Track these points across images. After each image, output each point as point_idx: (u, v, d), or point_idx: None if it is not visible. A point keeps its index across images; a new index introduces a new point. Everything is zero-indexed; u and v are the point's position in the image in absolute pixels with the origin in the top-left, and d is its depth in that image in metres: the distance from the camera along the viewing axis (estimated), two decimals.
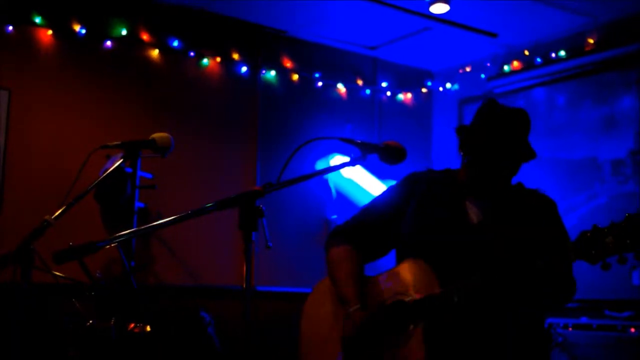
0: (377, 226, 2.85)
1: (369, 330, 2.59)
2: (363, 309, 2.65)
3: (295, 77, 6.59)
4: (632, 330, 4.88)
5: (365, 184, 6.54)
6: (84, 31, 5.59)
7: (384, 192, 2.94)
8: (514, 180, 2.77)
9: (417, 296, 2.51)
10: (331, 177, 6.53)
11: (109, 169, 2.92)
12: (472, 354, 2.51)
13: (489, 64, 6.88)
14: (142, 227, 2.21)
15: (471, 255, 2.58)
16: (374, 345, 2.57)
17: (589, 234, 2.27)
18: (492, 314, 2.53)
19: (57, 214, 2.55)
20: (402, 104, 7.23)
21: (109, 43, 5.72)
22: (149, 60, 5.91)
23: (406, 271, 2.61)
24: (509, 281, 2.38)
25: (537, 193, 2.79)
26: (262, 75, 6.42)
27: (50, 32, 5.49)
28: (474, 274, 2.44)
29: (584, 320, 5.20)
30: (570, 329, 5.16)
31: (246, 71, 6.34)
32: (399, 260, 2.78)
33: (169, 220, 2.19)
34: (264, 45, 6.46)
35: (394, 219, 2.80)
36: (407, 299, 2.54)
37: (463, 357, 2.50)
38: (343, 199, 6.60)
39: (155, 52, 5.93)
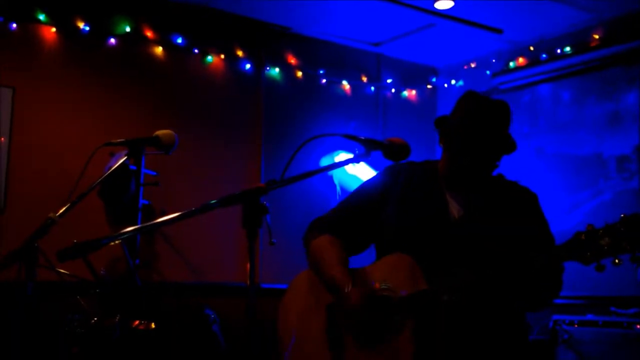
0: (357, 218, 2.80)
1: (365, 317, 2.54)
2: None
3: (299, 74, 6.58)
4: (638, 327, 4.86)
5: None
6: (87, 28, 5.59)
7: (363, 184, 2.90)
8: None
9: (403, 292, 2.49)
10: (336, 174, 6.51)
11: (113, 166, 2.92)
12: (461, 349, 2.49)
13: (494, 60, 6.86)
14: (146, 224, 2.21)
15: (452, 250, 2.56)
16: (367, 331, 2.53)
17: (583, 236, 2.22)
18: (481, 311, 2.51)
19: (61, 211, 2.56)
20: (406, 100, 7.21)
21: (112, 40, 5.72)
22: (152, 57, 5.91)
23: (392, 265, 2.58)
24: (502, 278, 2.36)
25: (517, 186, 2.76)
26: (266, 72, 6.41)
27: (54, 29, 5.49)
28: (459, 270, 2.42)
29: (589, 317, 5.18)
30: (576, 325, 5.14)
31: (250, 68, 6.33)
32: (380, 255, 2.74)
33: (173, 218, 2.18)
34: (268, 42, 6.45)
35: (374, 210, 2.77)
36: (394, 295, 2.51)
37: (453, 351, 2.48)
38: None
39: (159, 49, 5.93)
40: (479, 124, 2.60)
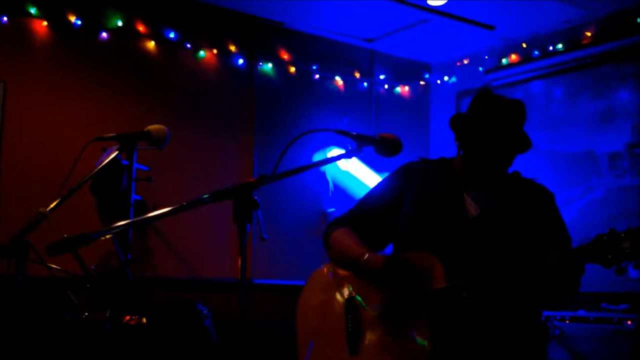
0: (374, 218, 2.83)
1: (394, 275, 2.56)
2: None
3: (292, 69, 6.57)
4: (629, 322, 4.88)
5: (362, 176, 6.53)
6: (79, 22, 5.56)
7: (379, 184, 2.91)
8: (511, 170, 2.76)
9: (423, 288, 2.50)
10: (328, 170, 6.51)
11: (104, 161, 2.91)
12: (477, 349, 2.50)
13: (486, 57, 6.87)
14: (137, 219, 2.21)
15: (469, 248, 2.57)
16: (399, 289, 2.54)
17: (605, 238, 2.23)
18: (499, 309, 2.51)
19: (52, 206, 2.55)
20: (399, 96, 7.21)
21: (104, 34, 5.69)
22: (145, 51, 5.89)
23: (412, 261, 2.59)
24: (519, 277, 2.37)
25: (534, 184, 2.77)
26: (258, 67, 6.40)
27: (45, 23, 5.47)
28: (478, 268, 2.43)
29: (581, 313, 5.20)
30: (567, 321, 5.16)
31: (243, 63, 6.32)
32: (397, 253, 2.75)
33: (164, 212, 2.18)
34: (261, 37, 6.44)
35: (391, 210, 2.78)
36: (414, 285, 2.52)
37: (468, 351, 2.49)
38: (340, 192, 6.59)
39: (151, 44, 5.91)
40: (496, 122, 2.60)
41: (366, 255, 2.64)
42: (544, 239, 2.50)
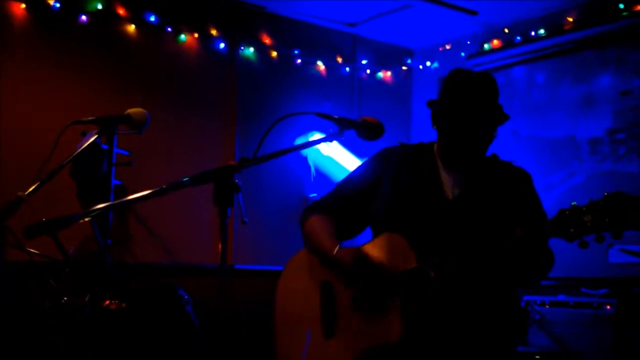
0: (352, 202, 2.84)
1: (362, 274, 2.58)
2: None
3: (274, 53, 6.53)
4: (608, 307, 4.92)
5: (344, 161, 6.52)
6: (58, 5, 5.48)
7: (358, 168, 2.92)
8: (488, 153, 2.76)
9: (393, 270, 2.51)
10: (310, 155, 6.50)
11: (84, 145, 2.87)
12: (449, 328, 2.52)
13: (469, 42, 6.86)
14: (117, 201, 2.19)
15: (447, 229, 2.58)
16: (366, 288, 2.56)
17: (567, 212, 2.26)
18: (469, 289, 2.53)
19: (30, 189, 2.52)
20: (381, 82, 7.20)
21: (84, 17, 5.62)
22: (125, 35, 5.82)
23: (383, 245, 2.60)
24: (489, 257, 2.38)
25: (511, 166, 2.78)
26: (240, 51, 6.36)
27: (23, 5, 5.39)
28: (450, 249, 2.44)
29: (561, 297, 5.24)
30: (547, 306, 5.19)
31: (224, 47, 6.27)
32: (376, 236, 2.76)
33: (144, 195, 2.16)
34: (243, 21, 6.39)
35: (369, 194, 2.79)
36: (384, 273, 2.53)
37: (440, 330, 2.51)
38: (322, 177, 6.58)
39: (131, 27, 5.85)
40: (463, 100, 2.59)
41: (335, 251, 2.66)
42: (521, 220, 2.51)
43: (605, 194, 2.20)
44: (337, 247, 2.66)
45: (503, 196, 2.64)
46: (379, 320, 2.50)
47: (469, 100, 2.59)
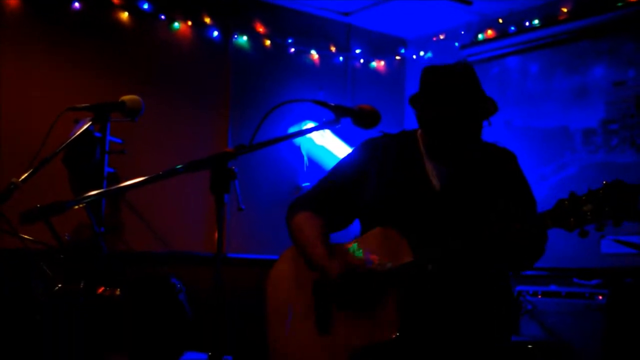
0: (339, 196, 2.80)
1: (348, 289, 2.55)
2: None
3: (268, 42, 6.51)
4: (600, 297, 4.94)
5: (337, 151, 6.51)
6: None
7: (342, 161, 2.88)
8: None
9: (389, 264, 2.50)
10: (303, 144, 6.49)
11: (77, 132, 2.86)
12: (445, 320, 2.51)
13: (463, 32, 6.85)
14: (111, 188, 2.18)
15: (435, 220, 2.56)
16: (352, 302, 2.54)
17: (566, 202, 2.23)
18: (464, 280, 2.53)
19: (24, 176, 2.51)
20: (375, 71, 7.19)
21: (77, 4, 5.58)
22: (118, 23, 5.79)
23: (376, 239, 2.59)
24: (485, 246, 2.37)
25: (496, 147, 2.74)
26: (234, 40, 6.33)
27: None
28: (444, 240, 2.43)
29: (553, 288, 5.25)
30: (539, 296, 5.21)
31: (218, 35, 6.25)
32: (365, 229, 2.74)
33: (138, 182, 2.15)
34: (236, 9, 6.36)
35: (355, 187, 2.76)
36: (379, 268, 2.52)
37: (437, 322, 2.51)
38: (315, 167, 6.57)
39: (125, 15, 5.82)
40: (442, 95, 2.56)
41: (321, 259, 2.61)
42: (508, 202, 2.49)
43: (604, 182, 2.17)
44: (324, 253, 2.62)
45: (489, 180, 2.62)
46: (374, 317, 2.48)
47: (448, 97, 2.54)
